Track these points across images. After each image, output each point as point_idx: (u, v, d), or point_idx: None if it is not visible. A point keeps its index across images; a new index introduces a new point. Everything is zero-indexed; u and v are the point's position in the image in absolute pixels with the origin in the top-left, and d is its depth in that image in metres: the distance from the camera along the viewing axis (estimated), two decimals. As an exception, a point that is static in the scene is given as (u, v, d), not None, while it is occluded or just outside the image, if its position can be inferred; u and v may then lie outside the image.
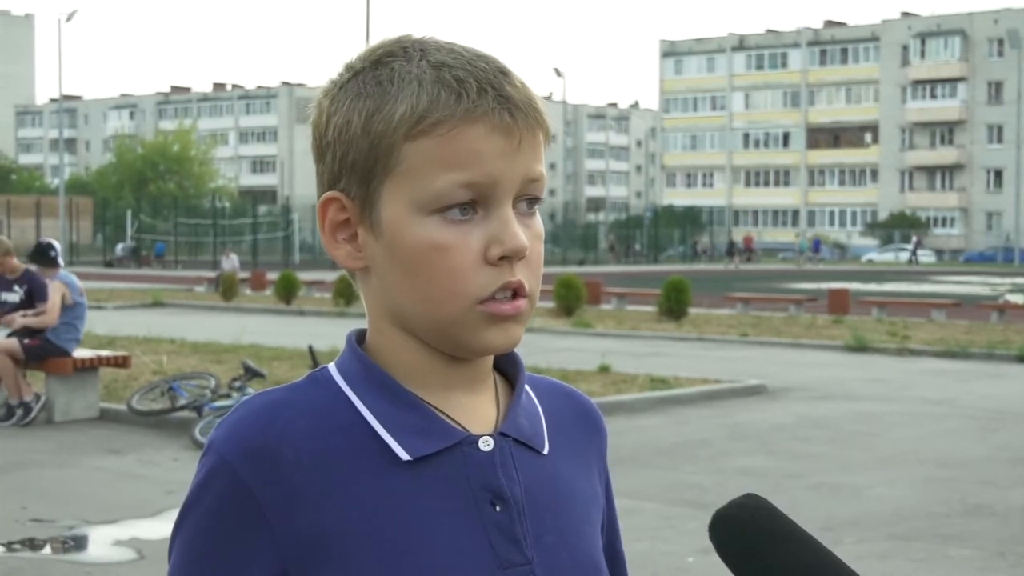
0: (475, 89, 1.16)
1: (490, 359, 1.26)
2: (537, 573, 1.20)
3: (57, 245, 11.25)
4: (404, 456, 1.18)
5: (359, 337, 1.26)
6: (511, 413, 1.24)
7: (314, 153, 1.25)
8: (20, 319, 10.91)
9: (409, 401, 1.20)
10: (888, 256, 76.59)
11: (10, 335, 10.97)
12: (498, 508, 1.19)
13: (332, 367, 1.23)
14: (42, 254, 11.09)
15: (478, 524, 1.18)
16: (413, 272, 1.17)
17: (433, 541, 1.16)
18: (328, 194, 1.22)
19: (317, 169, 1.24)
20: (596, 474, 1.32)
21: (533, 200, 1.21)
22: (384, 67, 1.19)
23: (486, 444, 1.21)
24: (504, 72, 1.19)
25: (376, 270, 1.21)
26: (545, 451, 1.26)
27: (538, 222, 1.22)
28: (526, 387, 1.28)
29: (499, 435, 1.22)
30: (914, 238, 75.94)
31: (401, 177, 1.17)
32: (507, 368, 1.29)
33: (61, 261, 11.14)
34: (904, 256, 73.69)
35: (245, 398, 1.21)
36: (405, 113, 1.16)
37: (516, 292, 1.18)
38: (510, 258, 1.17)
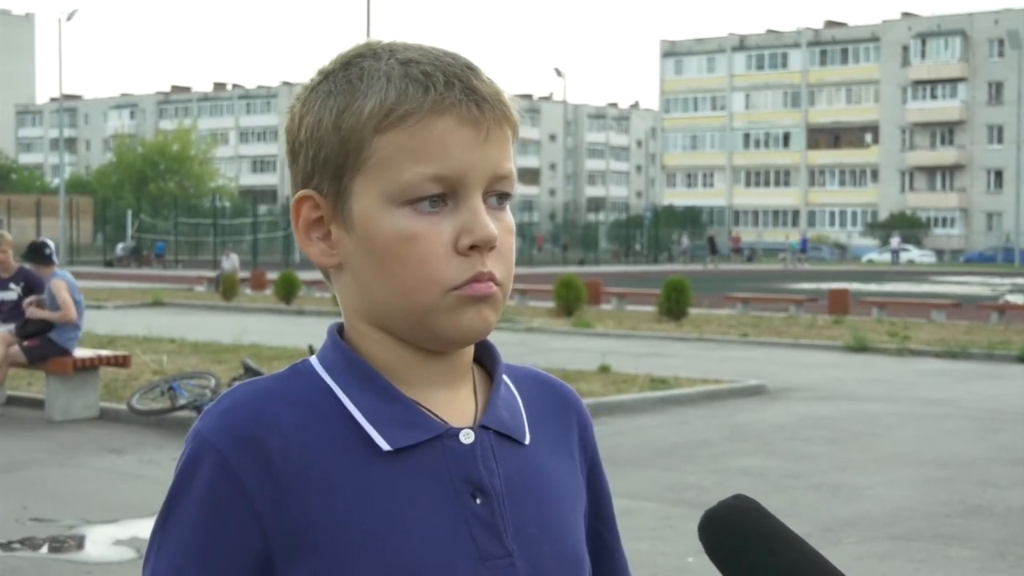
0: (442, 82, 1.18)
1: (469, 353, 1.26)
2: (518, 565, 1.20)
3: (51, 243, 11.27)
4: (385, 447, 1.18)
5: (340, 330, 1.26)
6: (491, 405, 1.25)
7: (288, 157, 1.27)
8: (35, 311, 10.89)
9: (391, 394, 1.21)
10: (887, 256, 76.62)
11: (21, 325, 10.97)
12: (479, 501, 1.20)
13: (314, 360, 1.24)
14: (37, 252, 11.10)
15: (459, 517, 1.19)
16: (386, 264, 1.18)
17: (415, 533, 1.17)
18: (301, 192, 1.23)
19: (291, 172, 1.26)
20: (577, 465, 1.32)
21: (503, 196, 1.22)
22: (354, 67, 1.22)
23: (467, 437, 1.22)
24: (471, 67, 1.21)
25: (350, 266, 1.22)
26: (526, 442, 1.26)
27: (509, 216, 1.23)
28: (505, 378, 1.29)
29: (480, 428, 1.23)
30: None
31: (372, 171, 1.19)
32: (485, 359, 1.29)
33: (56, 259, 11.16)
34: (896, 257, 73.79)
35: (228, 389, 1.21)
36: (374, 107, 1.18)
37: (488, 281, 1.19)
38: (480, 248, 1.18)
